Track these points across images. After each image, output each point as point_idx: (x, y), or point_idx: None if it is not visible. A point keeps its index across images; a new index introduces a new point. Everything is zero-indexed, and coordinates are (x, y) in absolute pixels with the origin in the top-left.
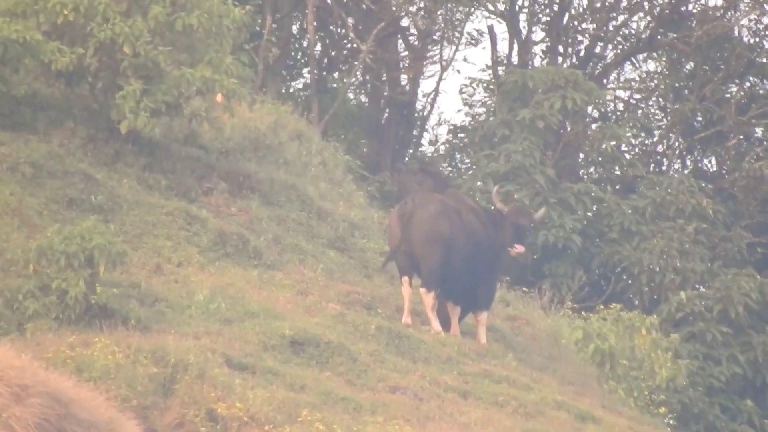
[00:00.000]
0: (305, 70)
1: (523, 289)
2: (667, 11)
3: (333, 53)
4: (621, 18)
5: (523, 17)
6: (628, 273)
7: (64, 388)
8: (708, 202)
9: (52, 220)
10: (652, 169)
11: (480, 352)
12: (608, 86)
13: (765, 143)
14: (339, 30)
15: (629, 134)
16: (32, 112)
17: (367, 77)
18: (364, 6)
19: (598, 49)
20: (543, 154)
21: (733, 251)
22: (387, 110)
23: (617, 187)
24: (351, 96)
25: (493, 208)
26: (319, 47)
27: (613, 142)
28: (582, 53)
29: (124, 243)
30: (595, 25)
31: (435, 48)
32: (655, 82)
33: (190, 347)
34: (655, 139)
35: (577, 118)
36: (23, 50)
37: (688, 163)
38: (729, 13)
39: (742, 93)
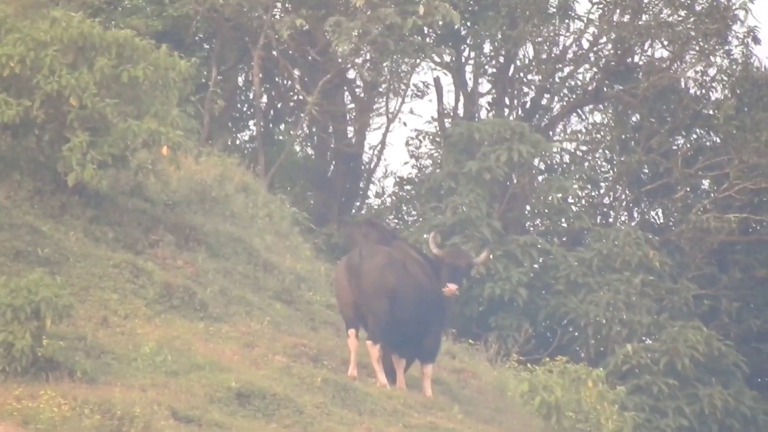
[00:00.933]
0: (251, 122)
1: (469, 341)
2: (613, 63)
3: (279, 105)
4: (567, 69)
5: (469, 69)
6: (575, 325)
7: None
8: (655, 254)
9: None
10: (598, 221)
11: (426, 404)
12: (554, 138)
13: (712, 195)
14: (285, 82)
15: (576, 186)
16: None
17: (314, 129)
18: (309, 58)
19: (544, 101)
20: (489, 206)
21: (680, 303)
22: (333, 162)
23: (564, 239)
24: (297, 148)
25: (430, 254)
26: (265, 99)
27: (560, 194)
28: (528, 105)
29: (70, 295)
30: (540, 77)
31: (381, 100)
32: (602, 133)
33: (136, 399)
34: (601, 191)
35: (524, 170)
36: None
37: (635, 215)
38: (675, 64)
39: (688, 145)
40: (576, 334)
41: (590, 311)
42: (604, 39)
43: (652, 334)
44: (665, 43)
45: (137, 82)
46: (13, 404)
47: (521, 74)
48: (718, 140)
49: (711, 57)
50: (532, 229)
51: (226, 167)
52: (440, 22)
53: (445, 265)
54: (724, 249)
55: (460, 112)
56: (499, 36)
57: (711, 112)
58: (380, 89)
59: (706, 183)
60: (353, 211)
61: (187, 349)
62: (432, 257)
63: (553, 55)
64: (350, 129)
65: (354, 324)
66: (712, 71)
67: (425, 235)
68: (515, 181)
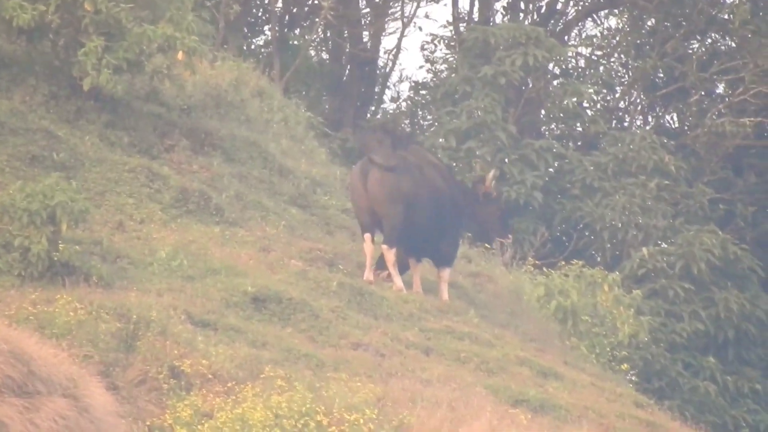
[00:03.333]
0: (266, 27)
1: (485, 245)
2: None
3: (294, 10)
4: None
5: None
6: (590, 229)
7: (26, 345)
8: (670, 158)
9: (14, 177)
10: (614, 125)
11: (442, 308)
12: (570, 43)
13: (727, 99)
14: None
15: (591, 90)
16: None
17: (329, 34)
18: None
19: (559, 6)
20: (505, 110)
21: (695, 207)
22: (349, 67)
23: (579, 143)
24: (312, 53)
25: (482, 189)
26: (280, 4)
27: (575, 99)
28: (543, 10)
29: (86, 200)
30: None
31: (396, 4)
32: (617, 38)
33: (152, 304)
34: (617, 95)
35: (539, 74)
36: None
37: (650, 119)
38: None
39: (703, 49)
40: (592, 238)
41: (606, 215)
42: None
43: (667, 238)
44: None
45: None
46: (29, 309)
47: None
48: (734, 44)
49: None
50: (547, 133)
51: (242, 72)
52: None
53: (496, 211)
54: (739, 153)
55: (476, 16)
56: None
57: (726, 16)
58: None
59: (721, 87)
60: (368, 115)
61: (203, 253)
62: (477, 190)
63: None
64: (365, 34)
65: (370, 228)
66: None
67: (440, 139)
68: (530, 85)
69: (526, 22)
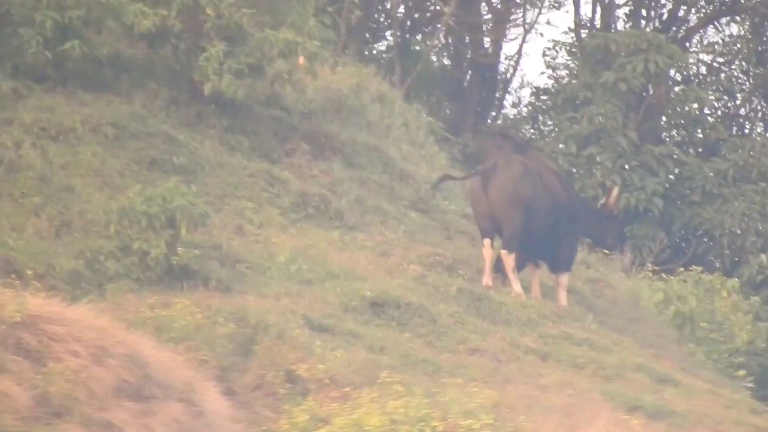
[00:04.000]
0: (388, 33)
1: (604, 251)
2: None
3: (416, 15)
4: None
5: None
6: (709, 235)
7: (143, 349)
8: None
9: (134, 181)
10: (734, 131)
11: (560, 314)
12: (691, 50)
13: None
14: None
15: (712, 97)
16: (115, 73)
17: (450, 40)
18: None
19: (681, 13)
20: (625, 116)
21: None
22: (469, 73)
23: (699, 149)
24: (434, 58)
25: (602, 203)
26: (402, 9)
27: (696, 105)
28: (665, 16)
29: (205, 204)
30: None
31: (518, 11)
32: (738, 45)
33: (270, 308)
34: (737, 102)
35: (660, 81)
36: (106, 12)
37: None
38: None
39: None
40: (711, 244)
41: (725, 221)
42: None
43: None
44: None
45: None
46: (147, 312)
47: None
48: None
49: None
50: (668, 139)
51: (362, 77)
52: None
53: (616, 224)
54: None
55: (597, 23)
56: None
57: None
58: (517, 0)
59: None
60: (488, 121)
61: (321, 258)
62: (603, 206)
63: None
64: (486, 40)
65: (489, 233)
66: None
67: (560, 145)
68: (651, 91)
69: (648, 29)
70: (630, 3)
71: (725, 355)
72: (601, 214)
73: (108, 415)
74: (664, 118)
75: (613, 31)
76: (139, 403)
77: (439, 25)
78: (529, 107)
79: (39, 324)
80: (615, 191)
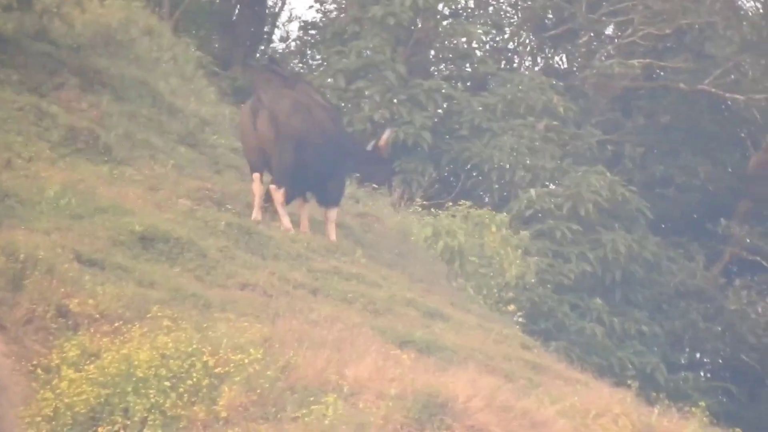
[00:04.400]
0: None
1: (373, 186)
2: None
3: None
4: None
5: None
6: (478, 170)
7: None
8: (558, 99)
9: None
10: (503, 66)
11: (329, 248)
12: None
13: (616, 41)
14: None
15: (480, 31)
16: None
17: None
18: None
19: None
20: (394, 50)
21: (583, 149)
22: (238, 6)
23: (468, 84)
24: None
25: (373, 145)
26: None
27: (464, 39)
28: None
29: None
30: None
31: None
32: None
33: (39, 243)
34: (506, 36)
35: (428, 14)
36: None
37: (539, 60)
38: None
39: None
40: (480, 179)
41: (494, 156)
42: None
43: (555, 179)
44: None
45: None
46: None
47: None
48: None
49: None
50: (436, 73)
51: (131, 11)
52: None
53: (384, 162)
54: (627, 95)
55: None
56: None
57: None
58: None
59: (610, 29)
60: (258, 55)
61: (91, 192)
62: (374, 148)
63: None
64: None
65: (258, 168)
66: None
67: (329, 79)
68: (420, 25)
69: None
70: None
71: (495, 291)
72: (370, 154)
73: None
74: (432, 53)
75: None
76: None
77: None
78: (298, 41)
79: None
80: (386, 135)
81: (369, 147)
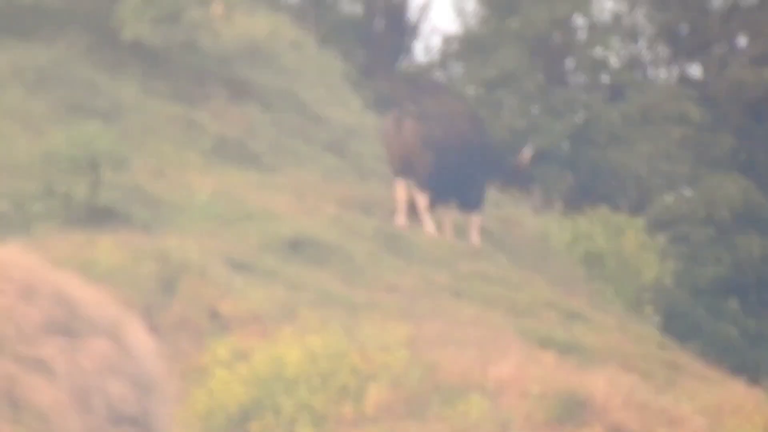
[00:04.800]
0: None
1: (514, 192)
2: None
3: None
4: None
5: None
6: (616, 177)
7: (69, 287)
8: (693, 107)
9: (57, 125)
10: (639, 76)
11: (473, 252)
12: None
13: (748, 51)
14: None
15: (616, 43)
16: (36, 20)
17: None
18: None
19: None
20: (532, 61)
21: (718, 155)
22: (381, 19)
23: (605, 93)
24: (346, 5)
25: (514, 161)
26: None
27: (601, 50)
28: None
29: (126, 147)
30: None
31: None
32: None
33: (191, 248)
34: (641, 47)
35: (564, 26)
36: None
37: (674, 70)
38: None
39: (725, 3)
40: (617, 185)
41: (631, 163)
42: None
43: (690, 185)
44: None
45: None
46: (72, 252)
47: None
48: None
49: None
50: (574, 83)
51: (277, 24)
52: None
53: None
54: (760, 103)
55: None
56: None
57: None
58: None
59: (742, 39)
60: (400, 66)
61: (240, 199)
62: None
63: None
64: None
65: (402, 175)
66: None
67: (469, 88)
68: (556, 37)
69: None
70: None
71: (633, 293)
72: (511, 164)
73: (37, 350)
74: (569, 63)
75: None
76: (67, 340)
77: None
78: (440, 53)
79: None
80: (526, 153)
81: (510, 164)
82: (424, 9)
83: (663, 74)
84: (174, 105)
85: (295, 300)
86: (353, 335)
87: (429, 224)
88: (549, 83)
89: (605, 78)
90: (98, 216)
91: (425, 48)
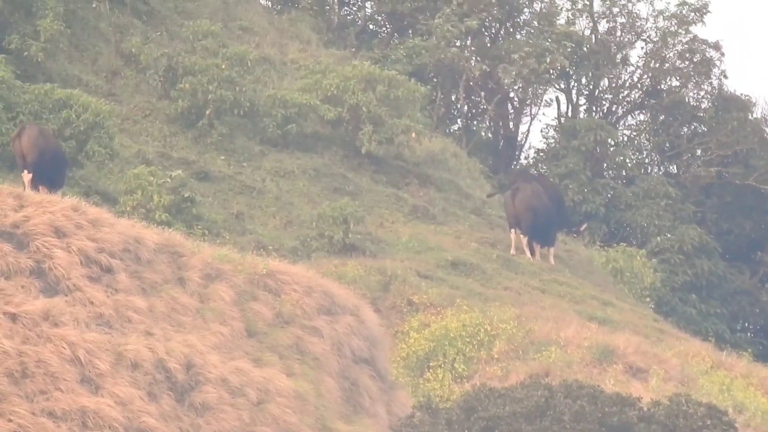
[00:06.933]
0: (458, 120)
1: (573, 234)
2: None
3: (473, 111)
4: None
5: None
6: (630, 227)
7: (331, 287)
8: (672, 189)
9: (325, 199)
10: (642, 171)
11: (550, 268)
12: (618, 127)
13: (702, 158)
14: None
15: (630, 153)
16: (315, 141)
17: (491, 124)
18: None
19: (613, 108)
20: (584, 164)
21: (685, 216)
22: (502, 140)
23: (624, 181)
24: (483, 134)
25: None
26: (465, 108)
27: (621, 158)
28: (605, 109)
29: (363, 211)
30: None
31: (527, 108)
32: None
33: (397, 266)
34: (644, 155)
35: (602, 144)
36: (307, 110)
37: (661, 168)
38: None
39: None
40: (631, 231)
41: (638, 220)
42: None
43: (670, 232)
44: None
45: (399, 98)
46: (333, 269)
47: None
48: None
49: None
50: (608, 176)
51: (445, 144)
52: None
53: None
54: (709, 187)
55: (569, 112)
56: None
57: None
58: (527, 102)
59: (699, 151)
60: (513, 166)
61: (424, 239)
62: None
63: None
64: (511, 123)
65: (514, 226)
66: None
67: (551, 179)
68: (597, 150)
69: (595, 116)
70: (585, 103)
71: (639, 291)
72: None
73: (313, 323)
74: (603, 164)
75: (577, 117)
76: (329, 317)
77: (486, 116)
78: (534, 158)
79: (275, 274)
80: (583, 227)
81: (573, 229)
82: (526, 135)
83: (655, 170)
84: (389, 188)
85: (453, 295)
86: (486, 314)
87: (528, 252)
88: (593, 176)
89: (624, 173)
90: (348, 249)
91: (525, 156)
